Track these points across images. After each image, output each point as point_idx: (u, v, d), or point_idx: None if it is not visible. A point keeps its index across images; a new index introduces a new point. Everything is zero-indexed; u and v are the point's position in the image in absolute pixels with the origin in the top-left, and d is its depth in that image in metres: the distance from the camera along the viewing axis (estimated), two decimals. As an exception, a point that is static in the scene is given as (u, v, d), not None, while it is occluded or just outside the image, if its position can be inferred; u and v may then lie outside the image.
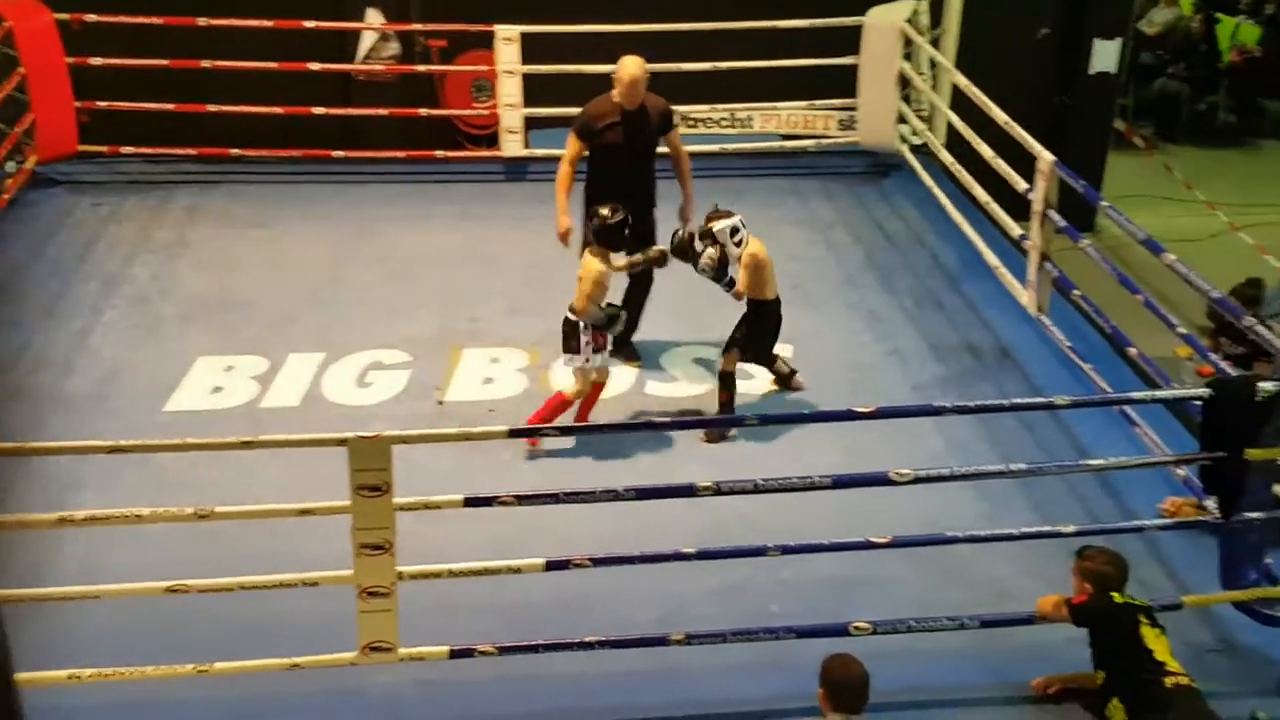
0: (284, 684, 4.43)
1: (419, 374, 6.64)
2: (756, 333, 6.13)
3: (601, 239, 5.89)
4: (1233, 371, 5.56)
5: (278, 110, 8.76)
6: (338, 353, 6.81)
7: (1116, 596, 4.33)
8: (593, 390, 5.97)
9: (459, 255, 7.99)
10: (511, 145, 9.07)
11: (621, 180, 6.37)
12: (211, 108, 8.76)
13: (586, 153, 6.47)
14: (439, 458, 5.22)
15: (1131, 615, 4.29)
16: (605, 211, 5.85)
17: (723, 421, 6.08)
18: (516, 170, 9.18)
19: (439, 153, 9.11)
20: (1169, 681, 4.13)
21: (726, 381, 6.06)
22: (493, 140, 9.22)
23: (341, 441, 4.08)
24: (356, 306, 7.34)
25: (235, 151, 8.90)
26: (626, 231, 5.91)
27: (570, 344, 5.90)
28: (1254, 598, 4.62)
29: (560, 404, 5.88)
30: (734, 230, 5.95)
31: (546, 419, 5.77)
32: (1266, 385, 4.35)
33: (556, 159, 9.03)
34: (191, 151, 8.92)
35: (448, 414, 6.23)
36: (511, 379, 6.63)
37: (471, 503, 4.32)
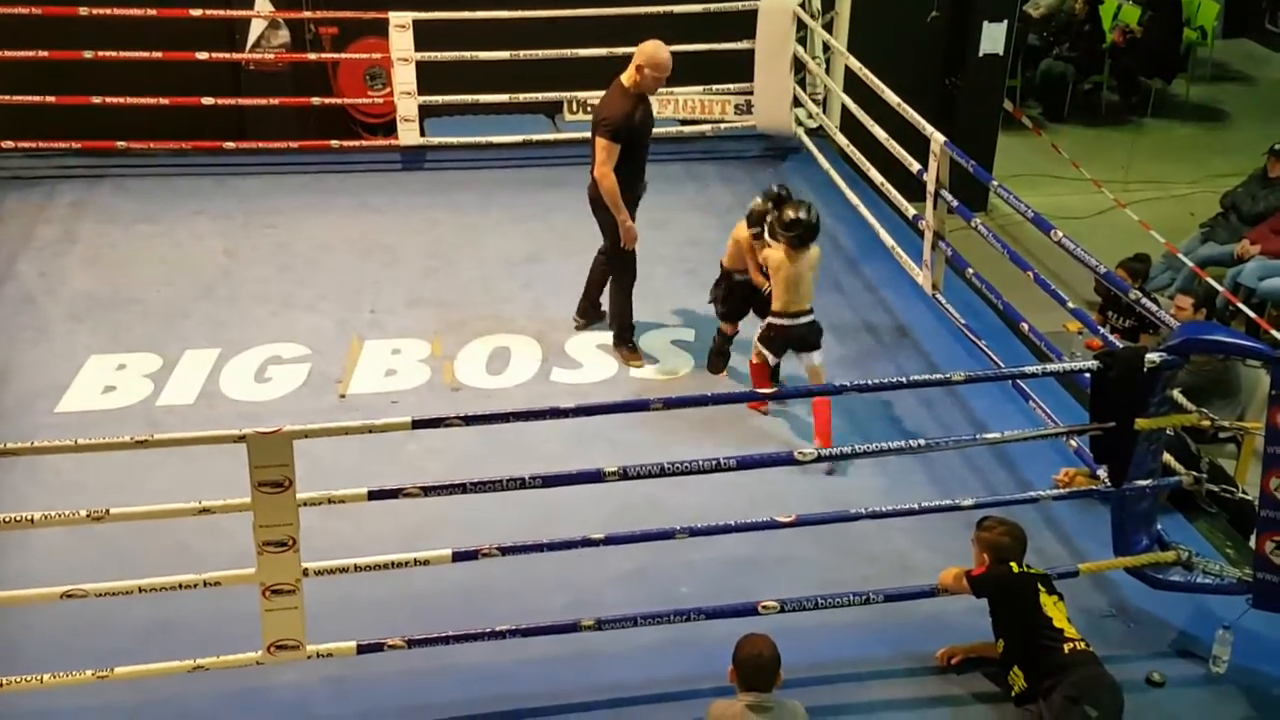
0: (188, 686, 4.33)
1: (319, 368, 6.54)
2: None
3: (798, 238, 5.81)
4: (1120, 344, 5.73)
5: (165, 101, 8.52)
6: (234, 348, 6.67)
7: (1014, 566, 4.44)
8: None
9: (357, 246, 7.87)
10: (408, 134, 8.95)
11: (641, 169, 6.37)
12: (96, 100, 8.48)
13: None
14: (342, 452, 5.15)
15: (1030, 584, 4.40)
16: (799, 214, 5.83)
17: (623, 407, 6.04)
18: (414, 159, 9.08)
19: (334, 143, 8.95)
20: (1067, 647, 4.25)
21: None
22: (389, 129, 9.09)
23: (240, 438, 4.00)
24: (252, 301, 7.19)
25: (122, 144, 8.64)
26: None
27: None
28: (1146, 563, 4.77)
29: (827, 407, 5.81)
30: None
31: (826, 424, 5.75)
32: (1153, 356, 4.49)
33: (454, 147, 9.14)
34: (76, 145, 8.63)
35: (350, 407, 6.14)
36: (414, 370, 6.56)
37: (375, 495, 4.26)
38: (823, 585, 4.83)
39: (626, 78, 6.23)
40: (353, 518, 4.80)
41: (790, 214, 5.81)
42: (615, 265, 6.53)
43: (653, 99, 6.45)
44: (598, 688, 4.49)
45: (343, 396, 6.31)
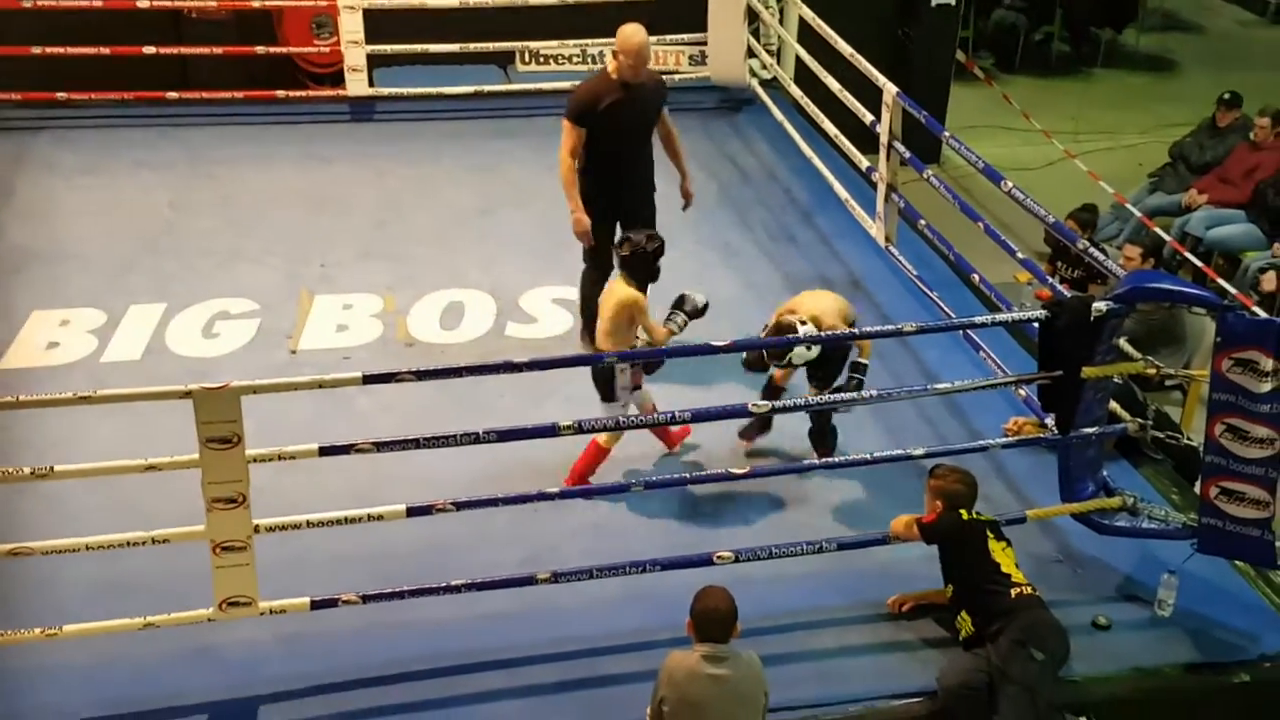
0: (139, 644, 4.30)
1: (268, 323, 6.46)
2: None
3: (634, 270, 5.10)
4: (1069, 294, 5.78)
5: (105, 51, 8.31)
6: (180, 303, 6.56)
7: (964, 513, 4.49)
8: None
9: (306, 199, 7.75)
10: (356, 84, 8.80)
11: (624, 166, 5.84)
12: (35, 50, 8.26)
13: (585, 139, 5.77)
14: (294, 409, 5.09)
15: (978, 530, 4.46)
16: (639, 239, 5.12)
17: (578, 360, 6.02)
18: (362, 110, 8.94)
19: (280, 93, 8.78)
20: (1013, 592, 4.31)
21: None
22: (336, 79, 8.93)
23: (187, 394, 3.95)
24: (198, 255, 7.07)
25: (62, 96, 8.43)
26: (659, 262, 5.17)
27: (605, 390, 5.11)
28: (1092, 509, 4.84)
29: (597, 453, 5.14)
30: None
31: (584, 472, 5.13)
32: (1099, 305, 4.53)
33: (404, 98, 9.00)
34: (14, 96, 8.41)
35: (301, 363, 6.08)
36: (366, 326, 6.50)
37: (327, 451, 4.22)
38: (777, 535, 4.86)
39: (609, 62, 5.88)
40: (305, 474, 4.75)
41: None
42: (585, 256, 6.05)
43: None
44: (555, 641, 4.50)
45: (293, 352, 6.24)
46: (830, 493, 5.18)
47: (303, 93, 8.96)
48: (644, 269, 5.11)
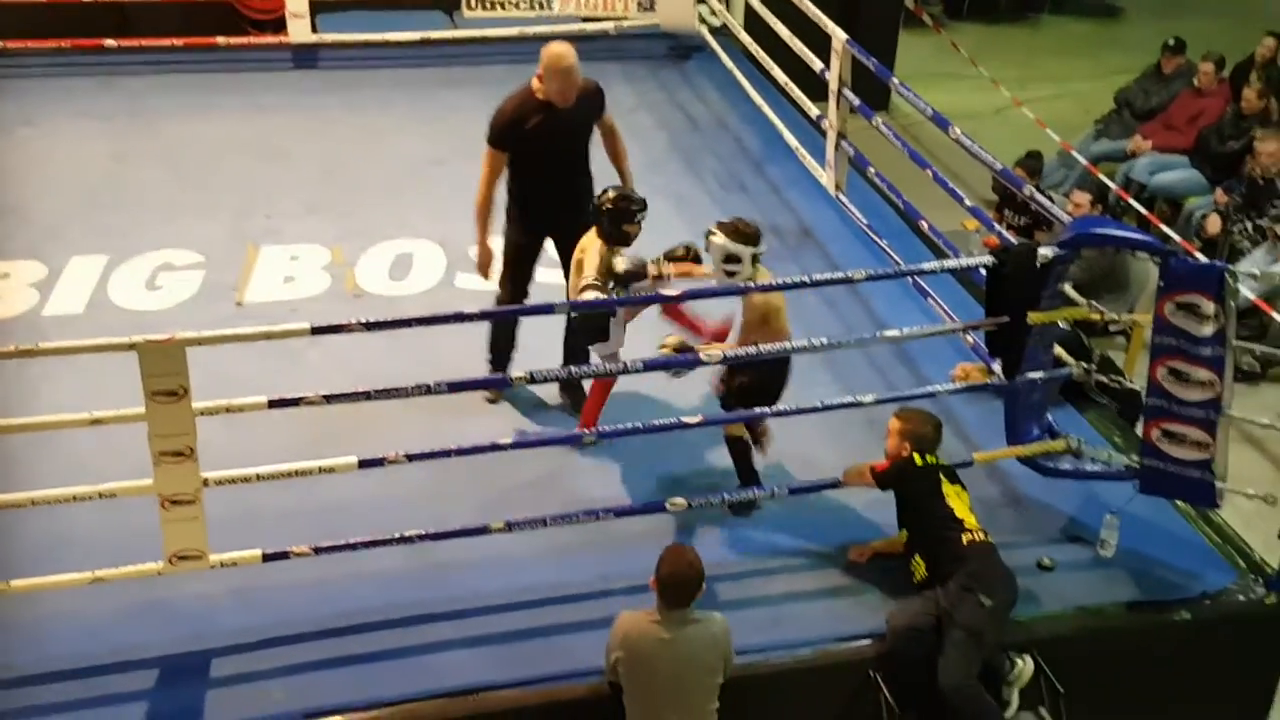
0: (89, 600, 4.27)
1: (213, 275, 6.37)
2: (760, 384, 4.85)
3: (607, 227, 4.94)
4: (1016, 241, 5.82)
5: (40, -3, 8.11)
6: (123, 255, 6.46)
7: (918, 459, 4.53)
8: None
9: (249, 149, 7.63)
10: (299, 31, 8.64)
11: (553, 189, 5.35)
12: (-36, -4, 8.05)
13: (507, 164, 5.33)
14: (242, 362, 5.03)
15: (932, 475, 4.50)
16: (613, 194, 4.98)
17: (530, 310, 5.98)
18: (306, 58, 8.78)
19: (221, 40, 8.61)
20: (965, 538, 4.36)
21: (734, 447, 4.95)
22: (279, 25, 8.76)
23: (131, 346, 3.89)
24: (140, 206, 6.95)
25: (-5, 43, 8.23)
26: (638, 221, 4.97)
27: (597, 333, 4.99)
28: (1037, 452, 4.92)
29: (603, 390, 5.11)
30: (730, 257, 4.70)
31: (596, 407, 5.12)
32: (1045, 251, 4.57)
33: (348, 45, 8.85)
34: (-55, 45, 8.21)
35: (247, 315, 6.00)
36: (313, 277, 6.43)
37: (276, 404, 4.19)
38: (730, 483, 4.89)
39: (535, 79, 5.31)
40: (256, 429, 4.71)
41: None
42: (501, 281, 5.53)
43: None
44: (508, 591, 4.52)
45: (239, 305, 6.16)
46: (781, 440, 5.21)
47: (244, 40, 8.79)
48: (612, 227, 4.94)
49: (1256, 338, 7.29)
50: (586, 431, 4.97)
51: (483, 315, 5.00)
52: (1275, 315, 7.20)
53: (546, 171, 5.35)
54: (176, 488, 4.07)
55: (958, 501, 4.46)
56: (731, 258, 4.69)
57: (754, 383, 4.80)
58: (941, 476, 4.51)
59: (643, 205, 5.02)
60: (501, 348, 5.50)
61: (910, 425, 4.58)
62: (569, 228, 5.25)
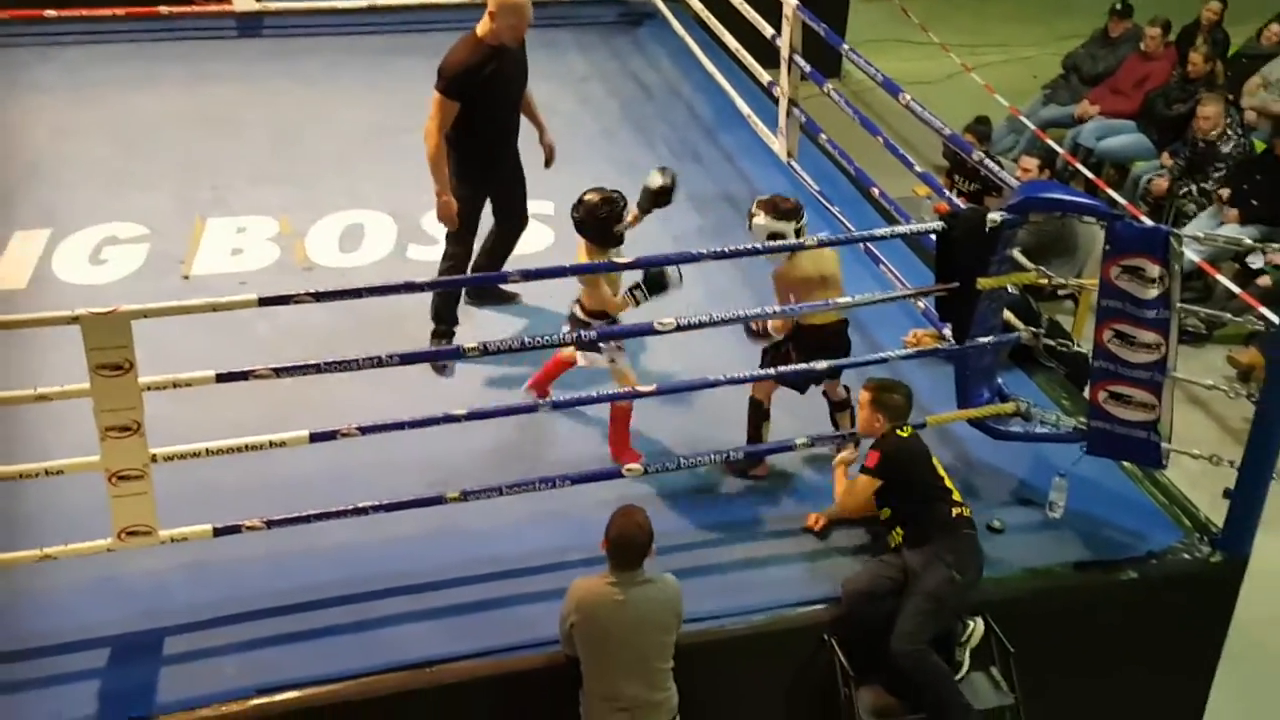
0: (40, 577, 4.23)
1: (159, 248, 6.28)
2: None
3: (593, 233, 4.77)
4: (965, 207, 5.86)
5: (-27, -35, 7.92)
6: (66, 229, 6.35)
7: (903, 432, 4.44)
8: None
9: (194, 120, 7.51)
10: (243, -1, 8.51)
11: (499, 140, 5.32)
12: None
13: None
14: (190, 336, 4.97)
15: (925, 449, 4.44)
16: (593, 199, 4.76)
17: (481, 279, 5.95)
18: (251, 26, 8.65)
19: (163, 9, 8.45)
20: (954, 511, 4.33)
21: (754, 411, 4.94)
22: (223, -8, 8.62)
23: (74, 319, 3.83)
24: (84, 179, 6.83)
25: (-73, 12, 8.04)
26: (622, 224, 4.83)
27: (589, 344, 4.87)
28: (987, 415, 4.97)
29: (560, 365, 5.03)
30: (775, 235, 4.72)
31: (545, 380, 5.06)
32: (994, 217, 4.60)
33: (294, 13, 8.72)
34: (-126, 13, 8.00)
35: (195, 288, 5.93)
36: (262, 249, 6.35)
37: (224, 378, 4.13)
38: (685, 449, 4.91)
39: (481, 26, 5.25)
40: (206, 403, 4.65)
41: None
42: (449, 238, 5.51)
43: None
44: (465, 563, 4.51)
45: (186, 278, 6.08)
46: (736, 409, 5.22)
47: (187, 8, 8.63)
48: (599, 232, 4.78)
49: (1201, 300, 7.41)
50: (540, 400, 4.93)
51: (433, 285, 4.96)
52: (1220, 277, 7.32)
53: (499, 119, 5.29)
54: (124, 463, 4.02)
55: (942, 470, 4.44)
56: (775, 235, 4.73)
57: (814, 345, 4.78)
58: (924, 444, 4.46)
59: (624, 199, 4.88)
60: (449, 317, 5.47)
61: (883, 396, 4.50)
62: (510, 179, 5.29)
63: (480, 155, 5.35)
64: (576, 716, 4.06)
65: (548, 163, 5.79)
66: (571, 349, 4.93)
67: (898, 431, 4.46)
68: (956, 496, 4.41)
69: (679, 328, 4.65)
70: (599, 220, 4.77)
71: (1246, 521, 4.72)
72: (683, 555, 4.54)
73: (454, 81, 5.17)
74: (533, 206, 6.71)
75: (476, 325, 5.51)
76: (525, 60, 5.42)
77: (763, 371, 4.87)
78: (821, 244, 4.82)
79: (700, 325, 4.67)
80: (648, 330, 4.61)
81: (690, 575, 4.38)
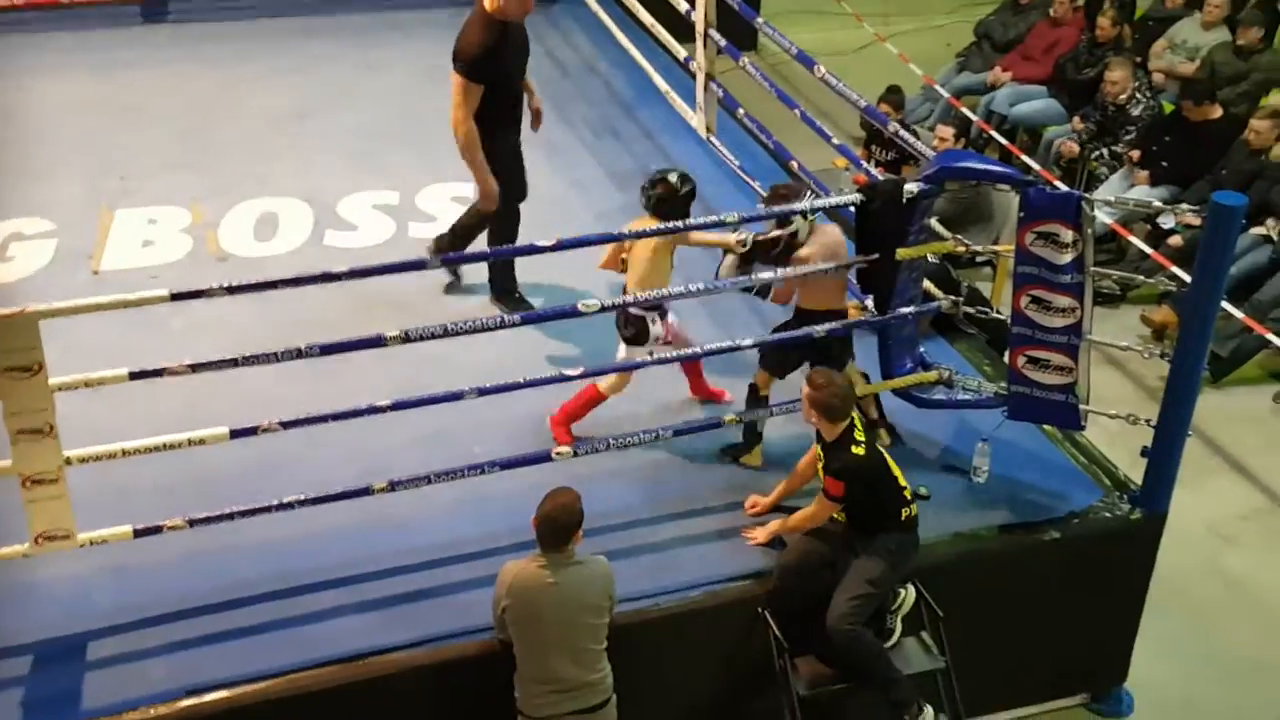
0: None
1: (67, 242, 6.12)
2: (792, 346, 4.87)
3: (671, 210, 4.87)
4: (883, 177, 5.90)
5: None
6: (-34, 227, 6.16)
7: (859, 450, 4.24)
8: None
9: (99, 108, 7.31)
10: (146, -18, 8.29)
11: (510, 116, 5.36)
12: None
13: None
14: (102, 333, 4.85)
15: (881, 457, 4.32)
16: (674, 180, 4.92)
17: (401, 267, 5.86)
18: (155, 12, 8.44)
19: (63, -4, 8.22)
20: (904, 512, 4.28)
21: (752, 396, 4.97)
22: (124, -22, 8.39)
23: (-21, 323, 3.72)
24: (-16, 173, 6.62)
25: None
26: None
27: (637, 334, 4.92)
28: (911, 384, 5.03)
29: (593, 399, 4.97)
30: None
31: (574, 415, 4.98)
32: (910, 187, 4.64)
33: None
34: None
35: (106, 284, 5.78)
36: (174, 241, 6.21)
37: (137, 376, 4.04)
38: (616, 431, 4.89)
39: (489, 2, 5.24)
40: (121, 402, 4.55)
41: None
42: (491, 222, 5.62)
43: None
44: (395, 553, 4.47)
45: (96, 273, 5.93)
46: (663, 388, 5.23)
47: (88, -5, 8.40)
48: (679, 208, 4.91)
49: (1115, 262, 7.55)
50: (562, 448, 4.82)
51: (352, 274, 4.85)
52: (1132, 239, 7.46)
53: (513, 91, 5.38)
54: (38, 467, 3.92)
55: (897, 469, 4.34)
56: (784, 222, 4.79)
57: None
58: (880, 449, 4.38)
59: (692, 184, 5.03)
60: (513, 285, 5.68)
61: (821, 395, 4.22)
62: (518, 162, 5.40)
63: (496, 129, 5.38)
64: (512, 701, 4.05)
65: (534, 125, 5.83)
66: (596, 380, 4.89)
67: (853, 449, 4.22)
68: (908, 494, 4.34)
69: (602, 309, 4.64)
70: (680, 198, 4.93)
71: (1164, 478, 4.83)
72: (614, 536, 4.55)
73: (475, 64, 5.18)
74: (455, 190, 6.68)
75: (394, 309, 5.43)
76: (525, 30, 5.48)
77: (687, 351, 4.87)
78: (744, 220, 4.81)
79: (620, 305, 4.66)
80: (572, 312, 4.56)
81: (625, 556, 4.40)
